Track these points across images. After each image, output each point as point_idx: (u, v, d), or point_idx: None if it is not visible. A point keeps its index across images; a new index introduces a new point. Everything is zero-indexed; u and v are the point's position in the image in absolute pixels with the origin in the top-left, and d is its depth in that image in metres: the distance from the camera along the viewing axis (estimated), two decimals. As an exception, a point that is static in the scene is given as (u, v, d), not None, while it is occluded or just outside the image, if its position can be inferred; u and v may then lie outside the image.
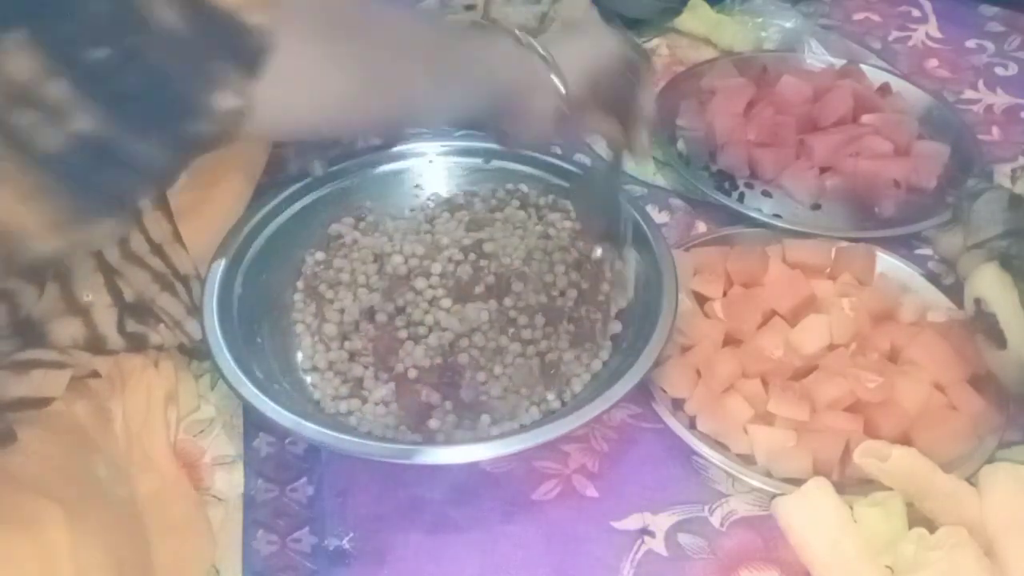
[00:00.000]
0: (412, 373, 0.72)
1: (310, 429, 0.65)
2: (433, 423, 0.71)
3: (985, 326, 0.72)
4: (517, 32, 0.66)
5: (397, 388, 0.72)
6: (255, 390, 0.67)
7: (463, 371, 0.72)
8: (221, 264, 0.75)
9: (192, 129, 0.47)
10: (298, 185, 0.84)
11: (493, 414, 0.71)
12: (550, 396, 0.73)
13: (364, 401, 0.73)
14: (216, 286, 0.74)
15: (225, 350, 0.70)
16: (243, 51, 0.47)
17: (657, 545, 0.69)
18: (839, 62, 1.10)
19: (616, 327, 0.78)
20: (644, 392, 0.75)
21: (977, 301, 0.73)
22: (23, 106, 0.43)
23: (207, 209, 0.80)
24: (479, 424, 0.71)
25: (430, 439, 0.71)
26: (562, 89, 0.66)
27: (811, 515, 0.66)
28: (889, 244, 0.88)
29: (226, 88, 0.47)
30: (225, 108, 0.47)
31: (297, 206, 0.84)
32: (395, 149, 0.88)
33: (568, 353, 0.74)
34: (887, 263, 0.85)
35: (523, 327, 0.75)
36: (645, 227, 0.81)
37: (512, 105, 0.67)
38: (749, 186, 0.97)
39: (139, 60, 0.45)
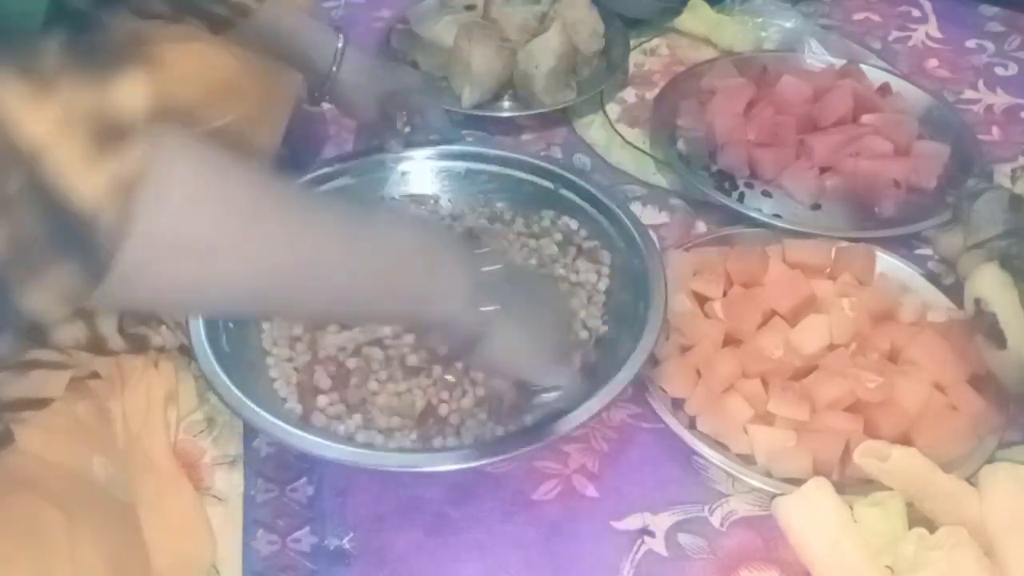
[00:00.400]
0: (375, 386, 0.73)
1: (299, 437, 0.66)
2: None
3: (985, 326, 0.72)
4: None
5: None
6: (243, 397, 0.67)
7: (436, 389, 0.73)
8: None
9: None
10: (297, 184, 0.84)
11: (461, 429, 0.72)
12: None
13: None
14: None
15: (211, 357, 0.70)
16: (90, 256, 0.38)
17: (657, 545, 0.69)
18: (839, 62, 1.10)
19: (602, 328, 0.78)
20: (644, 392, 0.75)
21: (977, 301, 0.73)
22: None
23: None
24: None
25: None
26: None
27: (811, 515, 0.66)
28: (889, 244, 0.88)
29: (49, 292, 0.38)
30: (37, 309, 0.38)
31: None
32: (388, 152, 0.89)
33: None
34: (887, 263, 0.85)
35: None
36: (631, 226, 0.81)
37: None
38: (749, 186, 0.97)
39: None
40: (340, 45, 0.82)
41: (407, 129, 0.88)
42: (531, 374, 0.65)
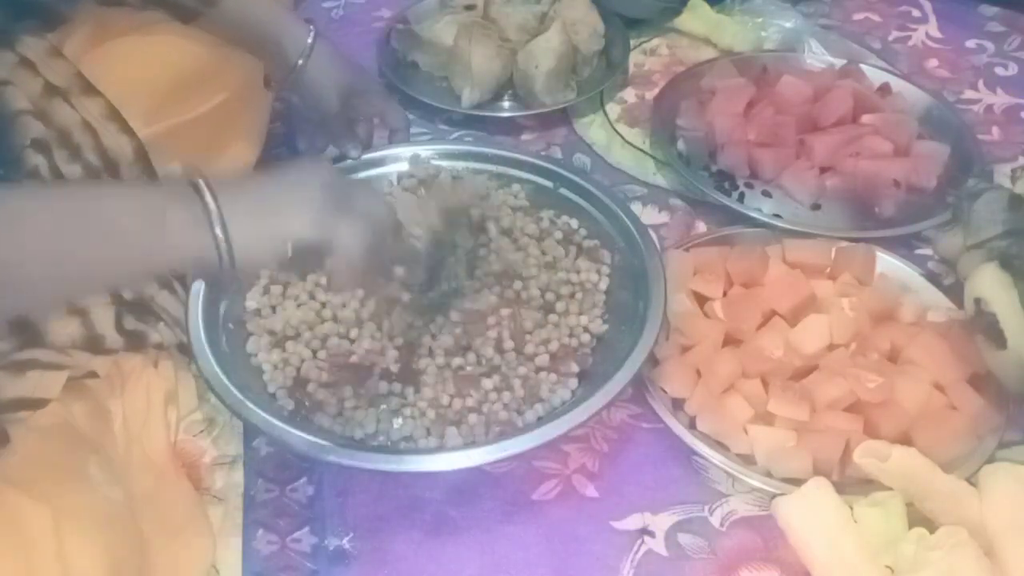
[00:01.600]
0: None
1: (299, 437, 0.66)
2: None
3: (985, 326, 0.72)
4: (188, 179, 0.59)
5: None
6: (242, 398, 0.67)
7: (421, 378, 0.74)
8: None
9: None
10: None
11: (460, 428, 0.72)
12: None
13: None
14: (201, 298, 0.74)
15: (211, 359, 0.70)
16: None
17: (657, 545, 0.69)
18: (839, 62, 1.10)
19: (602, 327, 0.78)
20: (644, 392, 0.75)
21: (977, 301, 0.73)
22: None
23: None
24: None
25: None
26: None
27: (811, 515, 0.66)
28: (889, 244, 0.88)
29: None
30: None
31: None
32: (388, 152, 0.89)
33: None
34: (887, 263, 0.85)
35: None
36: (631, 225, 0.81)
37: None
38: (749, 186, 0.97)
39: None
40: (311, 39, 0.82)
41: (384, 133, 0.88)
42: (300, 238, 0.59)
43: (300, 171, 0.62)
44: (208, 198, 0.55)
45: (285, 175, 0.61)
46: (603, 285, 0.81)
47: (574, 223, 0.86)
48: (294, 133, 0.95)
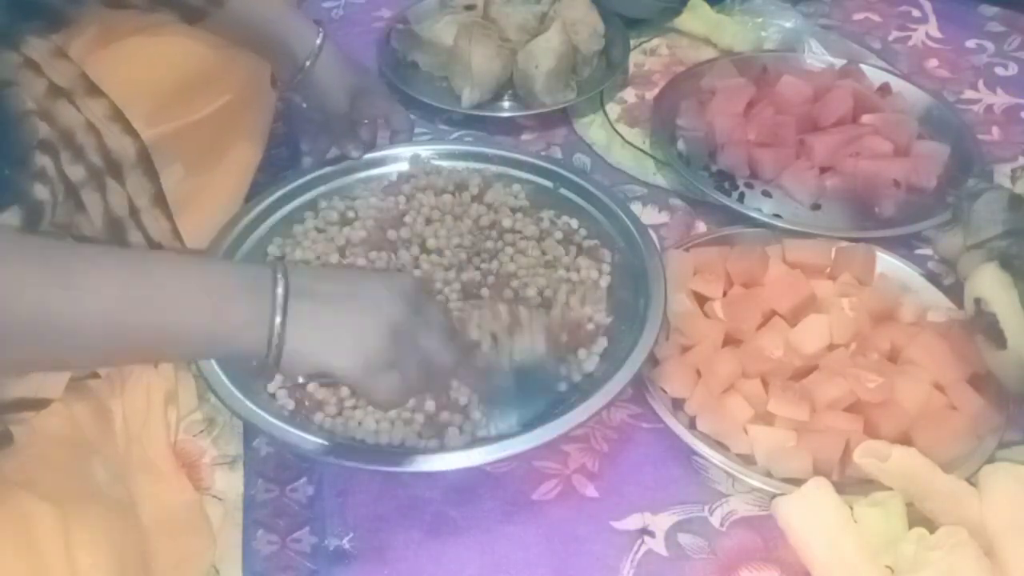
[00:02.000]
0: None
1: (299, 437, 0.66)
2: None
3: (985, 326, 0.72)
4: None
5: None
6: (242, 397, 0.67)
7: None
8: None
9: None
10: (291, 186, 0.85)
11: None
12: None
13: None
14: None
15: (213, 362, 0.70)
16: None
17: (657, 545, 0.69)
18: (839, 62, 1.10)
19: (602, 327, 0.78)
20: (644, 392, 0.75)
21: (977, 301, 0.73)
22: None
23: (205, 203, 0.80)
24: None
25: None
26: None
27: (811, 515, 0.66)
28: (889, 244, 0.88)
29: None
30: None
31: (287, 208, 0.84)
32: (388, 152, 0.89)
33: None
34: (887, 263, 0.85)
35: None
36: (631, 225, 0.81)
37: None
38: (749, 186, 0.97)
39: None
40: (319, 40, 0.82)
41: (385, 134, 0.89)
42: (344, 377, 0.56)
43: (378, 296, 0.57)
44: (279, 295, 0.53)
45: (363, 294, 0.57)
46: (603, 285, 0.81)
47: (574, 223, 0.86)
48: (296, 133, 0.95)
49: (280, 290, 0.54)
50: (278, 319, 0.53)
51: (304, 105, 0.89)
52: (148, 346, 0.52)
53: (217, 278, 0.54)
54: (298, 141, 0.94)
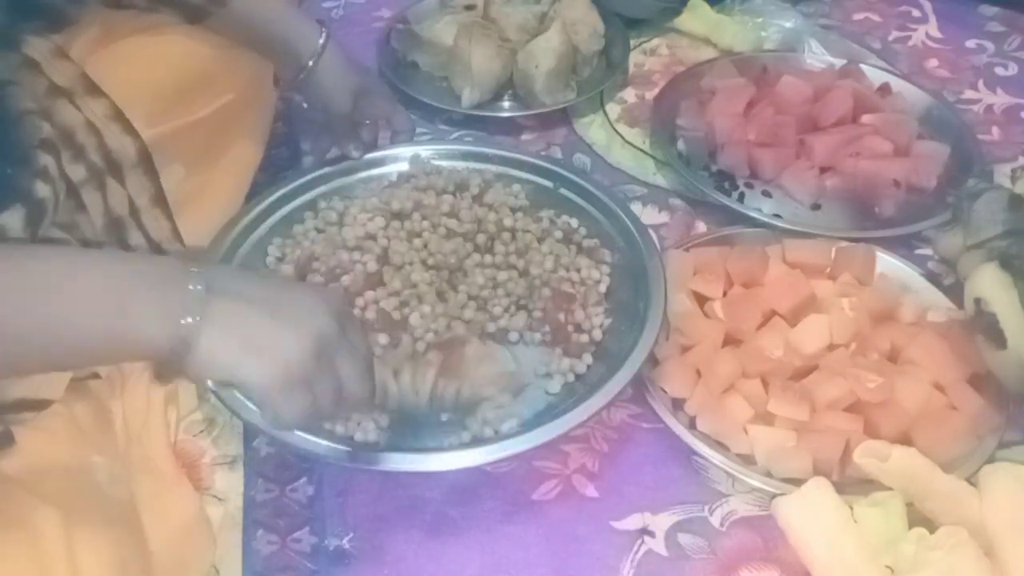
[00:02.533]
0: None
1: (299, 437, 0.66)
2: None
3: (985, 326, 0.72)
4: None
5: None
6: (242, 397, 0.67)
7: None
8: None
9: None
10: (291, 186, 0.85)
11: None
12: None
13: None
14: None
15: None
16: None
17: (657, 545, 0.69)
18: (839, 62, 1.10)
19: (603, 327, 0.78)
20: (644, 392, 0.75)
21: (977, 301, 0.73)
22: None
23: (205, 202, 0.80)
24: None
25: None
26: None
27: (811, 515, 0.66)
28: (889, 244, 0.88)
29: None
30: None
31: (287, 208, 0.84)
32: (388, 152, 0.89)
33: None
34: (887, 263, 0.85)
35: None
36: (631, 225, 0.81)
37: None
38: (749, 186, 0.97)
39: None
40: (323, 40, 0.82)
41: (386, 134, 0.89)
42: (256, 388, 0.51)
43: (306, 307, 0.54)
44: (192, 291, 0.50)
45: (290, 302, 0.54)
46: (603, 285, 0.81)
47: (574, 223, 0.86)
48: (297, 133, 0.95)
49: (194, 287, 0.50)
50: (189, 319, 0.49)
51: (305, 105, 0.89)
52: (47, 348, 0.49)
53: (116, 273, 0.50)
54: (299, 141, 0.94)
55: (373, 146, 0.89)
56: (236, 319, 0.51)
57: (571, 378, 0.75)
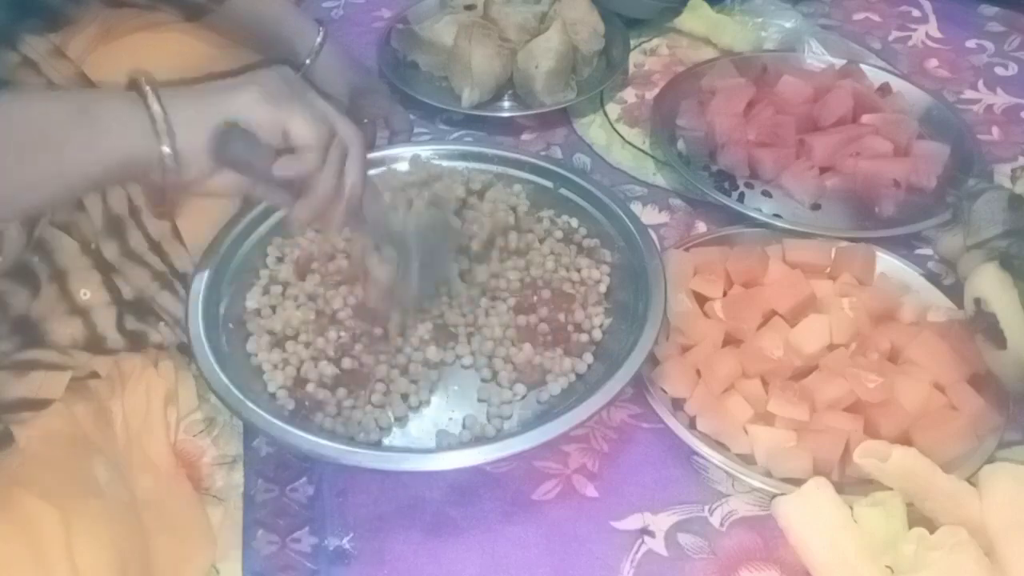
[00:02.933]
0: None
1: (298, 438, 0.66)
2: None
3: (985, 326, 0.72)
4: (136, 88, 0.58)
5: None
6: (242, 397, 0.67)
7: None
8: (204, 276, 0.75)
9: None
10: None
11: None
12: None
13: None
14: (200, 298, 0.74)
15: (211, 359, 0.70)
16: None
17: (657, 545, 0.69)
18: (839, 62, 1.10)
19: (603, 326, 0.78)
20: (644, 392, 0.75)
21: (977, 301, 0.73)
22: None
23: (204, 202, 0.80)
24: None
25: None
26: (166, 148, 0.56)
27: (811, 515, 0.66)
28: (889, 244, 0.88)
29: None
30: None
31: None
32: (387, 152, 0.89)
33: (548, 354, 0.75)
34: (887, 263, 0.85)
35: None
36: (631, 225, 0.81)
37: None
38: (749, 186, 0.97)
39: None
40: (320, 39, 0.82)
41: (385, 133, 0.89)
42: (252, 111, 0.57)
43: (254, 72, 0.59)
44: (145, 86, 0.54)
45: (236, 80, 0.58)
46: (603, 286, 0.81)
47: (574, 223, 0.86)
48: None
49: (144, 82, 0.55)
50: (152, 98, 0.54)
51: None
52: (39, 173, 0.53)
53: (74, 95, 0.56)
54: None
55: (372, 145, 0.89)
56: (197, 97, 0.56)
57: (572, 378, 0.75)
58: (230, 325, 0.76)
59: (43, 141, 0.53)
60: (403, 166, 0.89)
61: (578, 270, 0.81)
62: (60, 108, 0.54)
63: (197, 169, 0.56)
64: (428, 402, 0.73)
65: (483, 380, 0.75)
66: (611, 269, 0.82)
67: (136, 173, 0.57)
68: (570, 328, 0.77)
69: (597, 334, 0.78)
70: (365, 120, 0.88)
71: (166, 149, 0.54)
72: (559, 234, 0.84)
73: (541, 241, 0.83)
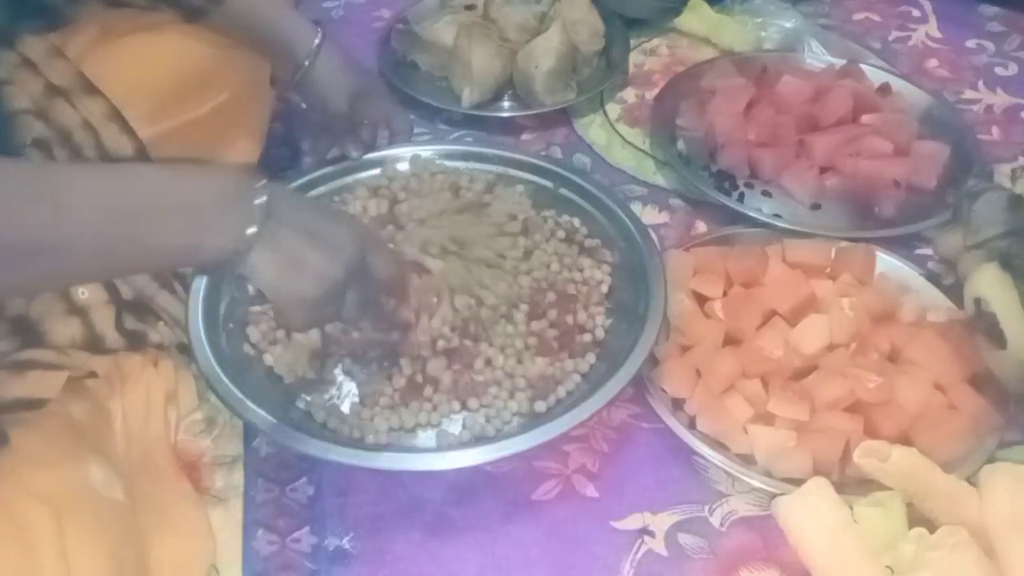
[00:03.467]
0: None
1: (299, 438, 0.66)
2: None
3: (985, 326, 0.72)
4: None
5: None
6: (243, 397, 0.67)
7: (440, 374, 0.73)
8: (205, 276, 0.75)
9: None
10: (290, 186, 0.85)
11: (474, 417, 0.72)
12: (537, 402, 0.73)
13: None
14: (200, 297, 0.74)
15: (211, 357, 0.70)
16: None
17: (657, 545, 0.69)
18: (839, 62, 1.10)
19: (604, 326, 0.78)
20: (644, 392, 0.75)
21: (977, 301, 0.73)
22: None
23: None
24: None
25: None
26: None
27: (811, 515, 0.66)
28: (889, 244, 0.88)
29: None
30: None
31: None
32: (388, 153, 0.89)
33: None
34: (887, 263, 0.85)
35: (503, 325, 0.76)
36: (631, 225, 0.81)
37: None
38: (749, 186, 0.97)
39: None
40: (318, 40, 0.82)
41: (385, 134, 0.88)
42: (280, 306, 0.61)
43: (339, 239, 0.61)
44: (258, 206, 0.56)
45: (325, 234, 0.60)
46: (604, 286, 0.81)
47: (576, 222, 0.86)
48: (296, 133, 0.95)
49: (259, 202, 0.56)
50: (251, 229, 0.56)
51: (304, 105, 0.88)
52: (133, 257, 0.55)
53: (196, 189, 0.57)
54: (298, 141, 0.94)
55: (372, 146, 0.89)
56: (284, 239, 0.58)
57: (577, 379, 0.74)
58: (230, 325, 0.76)
59: (158, 223, 0.54)
60: (404, 166, 0.89)
61: (580, 270, 0.81)
62: (179, 195, 0.56)
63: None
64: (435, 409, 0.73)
65: (494, 396, 0.73)
66: (612, 269, 0.82)
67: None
68: (575, 330, 0.77)
69: (600, 333, 0.77)
70: (365, 122, 0.88)
71: (236, 265, 0.58)
72: (561, 234, 0.84)
73: (546, 241, 0.83)
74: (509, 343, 0.75)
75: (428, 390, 0.73)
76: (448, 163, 0.89)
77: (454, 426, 0.72)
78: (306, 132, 0.92)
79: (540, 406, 0.72)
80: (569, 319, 0.77)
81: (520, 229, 0.83)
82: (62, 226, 0.50)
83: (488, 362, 0.74)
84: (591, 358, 0.76)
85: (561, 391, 0.73)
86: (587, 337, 0.77)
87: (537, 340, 0.76)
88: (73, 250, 0.51)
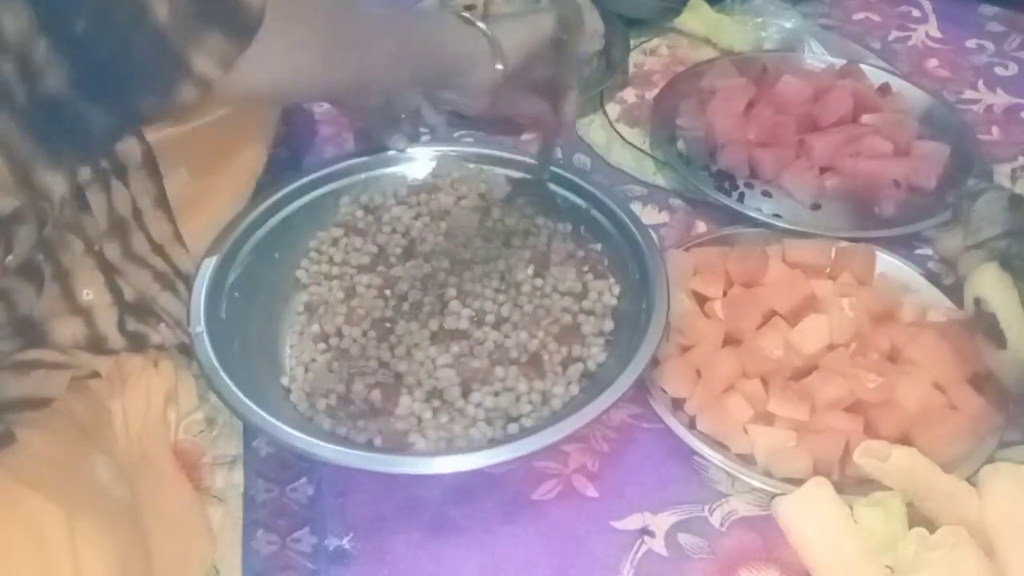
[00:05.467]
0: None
1: (299, 439, 0.66)
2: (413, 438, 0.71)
3: (985, 326, 0.72)
4: (464, 14, 0.74)
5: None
6: (243, 397, 0.67)
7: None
8: (212, 262, 0.75)
9: (143, 102, 0.54)
10: (296, 184, 0.85)
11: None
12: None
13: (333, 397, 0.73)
14: (205, 285, 0.74)
15: (212, 357, 0.70)
16: (236, 23, 0.53)
17: (657, 545, 0.69)
18: (839, 62, 1.10)
19: (608, 326, 0.78)
20: (644, 392, 0.75)
21: (977, 301, 0.73)
22: (5, 59, 0.48)
23: (208, 205, 0.80)
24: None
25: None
26: (499, 64, 0.74)
27: (811, 515, 0.66)
28: (889, 244, 0.88)
29: (210, 56, 0.52)
30: (202, 73, 0.52)
31: (294, 206, 0.84)
32: (391, 153, 0.89)
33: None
34: (887, 263, 0.85)
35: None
36: (632, 225, 0.81)
37: (456, 77, 0.74)
38: (749, 186, 0.97)
39: (114, 33, 0.49)
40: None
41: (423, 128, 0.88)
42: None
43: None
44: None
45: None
46: (605, 286, 0.81)
47: (576, 223, 0.85)
48: (298, 134, 0.95)
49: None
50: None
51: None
52: (417, 65, 0.71)
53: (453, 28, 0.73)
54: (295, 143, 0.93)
55: (416, 139, 0.89)
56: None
57: (584, 382, 0.74)
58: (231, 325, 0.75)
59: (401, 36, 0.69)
60: (404, 167, 0.89)
61: (586, 296, 0.81)
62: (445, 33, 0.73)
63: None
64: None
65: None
66: (612, 269, 0.82)
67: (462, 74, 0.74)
68: (577, 332, 0.77)
69: (592, 365, 0.76)
70: (404, 115, 0.88)
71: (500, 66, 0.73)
72: (562, 235, 0.84)
73: (549, 243, 0.83)
74: (518, 357, 0.75)
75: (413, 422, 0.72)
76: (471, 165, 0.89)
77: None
78: (372, 125, 0.91)
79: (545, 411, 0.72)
80: (570, 320, 0.77)
81: (522, 242, 0.83)
82: (367, 56, 0.65)
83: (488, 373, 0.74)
84: (591, 364, 0.75)
85: (570, 389, 0.73)
86: (590, 339, 0.76)
87: (533, 358, 0.75)
88: (376, 66, 0.67)
